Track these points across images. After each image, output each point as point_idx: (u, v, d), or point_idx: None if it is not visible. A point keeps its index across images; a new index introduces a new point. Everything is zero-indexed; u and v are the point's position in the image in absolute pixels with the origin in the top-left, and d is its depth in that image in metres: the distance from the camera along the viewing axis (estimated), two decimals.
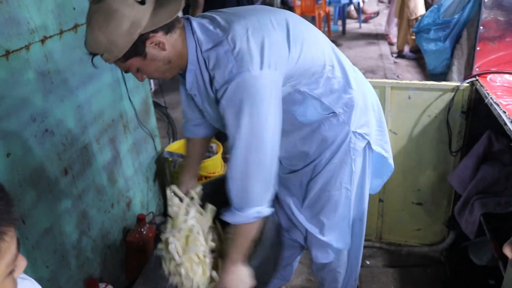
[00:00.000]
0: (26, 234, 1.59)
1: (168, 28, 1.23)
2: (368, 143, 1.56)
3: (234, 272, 1.39)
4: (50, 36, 1.66)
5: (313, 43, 1.36)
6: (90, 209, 1.99)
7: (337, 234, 1.64)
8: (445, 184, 2.29)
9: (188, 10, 3.40)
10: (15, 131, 1.52)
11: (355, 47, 6.37)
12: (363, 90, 1.55)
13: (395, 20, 6.01)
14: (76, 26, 1.82)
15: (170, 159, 2.73)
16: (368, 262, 2.48)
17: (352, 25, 7.58)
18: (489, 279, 1.91)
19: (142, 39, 1.20)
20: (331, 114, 1.47)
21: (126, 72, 1.32)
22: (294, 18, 1.38)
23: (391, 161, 1.69)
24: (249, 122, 1.22)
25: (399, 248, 2.56)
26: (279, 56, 1.26)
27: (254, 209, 1.32)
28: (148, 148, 2.60)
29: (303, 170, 1.60)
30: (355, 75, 1.53)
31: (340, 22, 7.25)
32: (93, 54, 1.24)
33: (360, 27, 7.46)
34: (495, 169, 1.81)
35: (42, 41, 1.62)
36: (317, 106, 1.44)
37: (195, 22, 1.30)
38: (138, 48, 1.21)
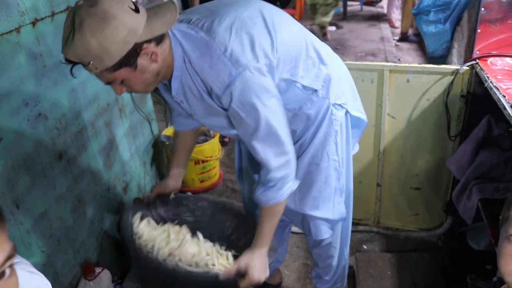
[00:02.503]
0: (21, 219, 1.58)
1: (159, 39, 1.20)
2: (346, 111, 1.59)
3: (261, 258, 1.41)
4: (42, 18, 1.63)
5: (287, 28, 1.37)
6: (86, 193, 1.98)
7: (331, 207, 1.66)
8: (443, 169, 2.27)
9: (187, 3, 3.42)
10: (7, 115, 1.50)
11: (356, 30, 6.30)
12: (335, 62, 1.58)
13: (396, 3, 5.93)
14: (68, 8, 1.78)
15: (167, 142, 2.72)
16: (365, 247, 2.48)
17: (353, 7, 7.49)
18: (486, 264, 1.91)
19: (135, 49, 1.15)
20: (312, 92, 1.50)
21: (107, 83, 1.24)
22: (266, 7, 1.38)
23: (364, 117, 1.71)
24: (265, 110, 1.26)
25: (397, 232, 2.56)
26: (266, 47, 1.27)
27: (288, 184, 1.38)
28: (145, 132, 2.58)
29: None
30: (326, 50, 1.55)
31: (341, 4, 7.15)
32: (74, 63, 1.15)
33: (361, 9, 7.37)
34: (494, 155, 1.79)
35: (33, 23, 1.58)
36: (300, 88, 1.46)
37: (176, 30, 1.26)
38: (130, 58, 1.16)
